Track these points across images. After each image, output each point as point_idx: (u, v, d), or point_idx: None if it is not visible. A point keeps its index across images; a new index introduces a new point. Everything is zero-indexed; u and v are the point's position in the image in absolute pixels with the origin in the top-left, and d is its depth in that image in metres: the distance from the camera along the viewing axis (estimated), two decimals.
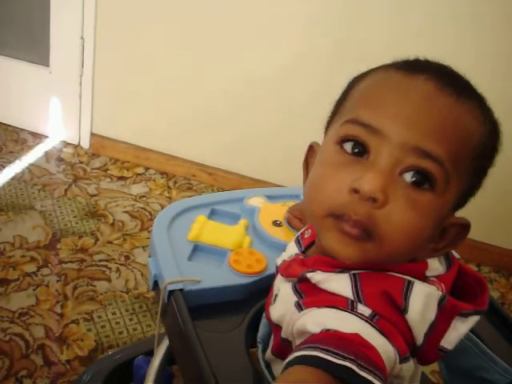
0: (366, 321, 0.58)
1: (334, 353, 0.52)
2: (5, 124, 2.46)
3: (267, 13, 1.93)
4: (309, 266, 0.67)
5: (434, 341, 0.61)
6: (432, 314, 0.60)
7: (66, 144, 2.40)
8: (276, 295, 0.74)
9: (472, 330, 0.80)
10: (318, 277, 0.64)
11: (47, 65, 2.31)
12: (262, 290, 0.86)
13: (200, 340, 0.77)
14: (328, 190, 0.60)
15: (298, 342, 0.61)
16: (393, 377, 0.59)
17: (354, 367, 0.51)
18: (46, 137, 2.42)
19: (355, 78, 0.68)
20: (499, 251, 2.08)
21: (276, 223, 1.02)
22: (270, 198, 1.09)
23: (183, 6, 2.01)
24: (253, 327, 0.82)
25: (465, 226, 0.64)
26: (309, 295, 0.65)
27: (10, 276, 1.64)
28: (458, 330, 0.61)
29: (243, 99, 2.09)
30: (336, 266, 0.63)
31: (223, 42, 2.02)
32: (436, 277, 0.63)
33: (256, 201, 1.07)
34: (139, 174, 2.27)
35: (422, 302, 0.59)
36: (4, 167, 2.17)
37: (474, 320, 0.62)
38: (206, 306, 0.85)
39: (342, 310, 0.59)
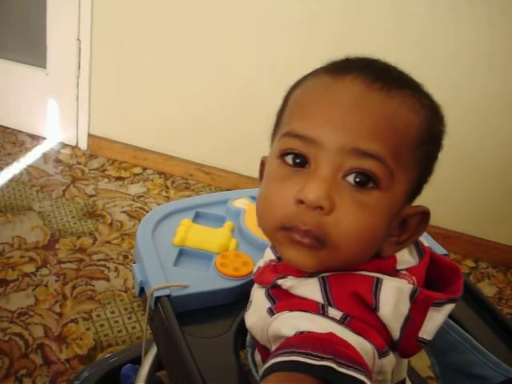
0: (338, 323, 0.58)
1: (311, 355, 0.52)
2: (3, 126, 2.47)
3: (264, 13, 1.94)
4: (280, 271, 0.67)
5: (411, 333, 0.61)
6: (405, 308, 0.60)
7: (64, 145, 2.41)
8: (251, 302, 0.74)
9: (462, 326, 0.83)
10: (288, 283, 0.64)
11: (44, 67, 2.32)
12: (249, 293, 0.85)
13: (189, 346, 0.77)
14: (275, 204, 0.61)
15: (273, 346, 0.61)
16: (376, 373, 0.60)
17: (334, 365, 0.51)
18: (44, 138, 2.42)
19: (291, 86, 0.68)
20: (496, 246, 2.08)
21: None
22: (254, 199, 1.07)
23: (180, 8, 2.02)
24: (242, 331, 0.81)
25: (424, 214, 0.64)
26: (281, 300, 0.65)
27: (9, 276, 1.64)
28: (434, 320, 0.61)
29: (240, 98, 2.10)
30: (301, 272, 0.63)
31: (220, 43, 2.03)
32: (407, 269, 0.63)
33: (241, 202, 1.07)
34: (137, 174, 2.28)
35: (392, 298, 0.59)
36: (2, 169, 2.17)
37: (448, 308, 0.62)
38: (194, 311, 0.85)
39: (313, 313, 0.59)
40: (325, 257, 0.59)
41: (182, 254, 0.94)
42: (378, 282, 0.60)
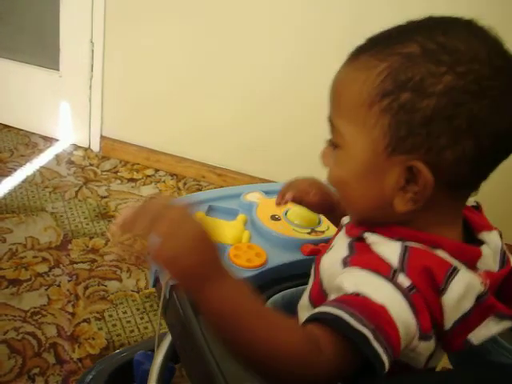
0: (402, 292, 0.59)
1: (356, 318, 0.56)
2: (16, 128, 2.49)
3: (275, 16, 1.94)
4: (374, 229, 0.68)
5: (462, 330, 0.62)
6: (468, 305, 0.61)
7: (77, 147, 2.42)
8: (332, 247, 0.76)
9: None
10: (373, 238, 0.65)
11: (57, 69, 2.34)
12: (262, 283, 0.87)
13: (204, 334, 0.76)
14: None
15: (332, 296, 0.63)
16: (409, 350, 0.61)
17: (371, 336, 0.55)
18: (57, 140, 2.44)
19: None
20: None
21: (274, 217, 1.02)
22: (267, 193, 1.09)
23: (194, 10, 2.03)
24: None
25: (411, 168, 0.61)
26: (359, 253, 0.66)
27: (22, 276, 1.65)
28: (489, 329, 0.62)
29: (252, 101, 2.10)
30: (395, 235, 0.64)
31: (233, 46, 2.04)
32: (485, 271, 0.63)
33: (253, 196, 1.09)
34: (149, 176, 2.28)
35: (461, 289, 0.60)
36: (16, 170, 2.19)
37: (507, 324, 0.63)
38: None
39: (382, 276, 0.60)
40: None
41: None
42: (455, 269, 0.60)
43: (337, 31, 1.87)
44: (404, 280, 0.59)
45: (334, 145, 0.67)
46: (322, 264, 0.73)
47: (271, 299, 0.88)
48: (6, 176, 2.14)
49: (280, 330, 0.58)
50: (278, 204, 0.93)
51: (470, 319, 0.61)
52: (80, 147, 2.42)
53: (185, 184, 2.25)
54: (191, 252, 0.58)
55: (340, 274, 0.64)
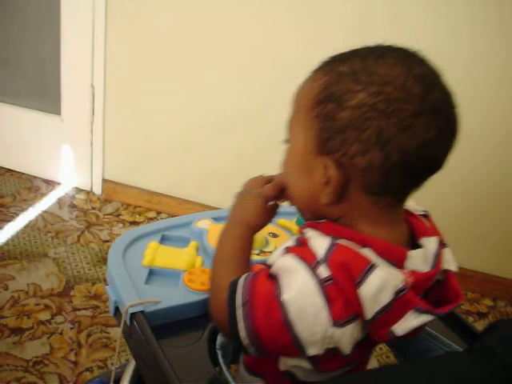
0: (318, 281, 0.67)
1: (244, 288, 0.73)
2: (18, 172, 2.50)
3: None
4: (314, 225, 0.76)
5: (384, 321, 0.68)
6: (386, 298, 0.67)
7: (79, 190, 2.43)
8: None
9: None
10: (309, 233, 0.74)
11: (59, 113, 2.36)
12: None
13: (166, 355, 0.82)
14: None
15: None
16: (327, 336, 0.68)
17: (239, 303, 0.72)
18: (59, 184, 2.45)
19: None
20: None
21: None
22: (216, 219, 1.16)
23: (190, 54, 2.05)
24: (212, 339, 0.89)
25: (326, 167, 0.71)
26: (298, 245, 0.75)
27: (24, 325, 1.64)
28: (411, 322, 0.69)
29: (255, 146, 2.11)
30: (330, 231, 0.72)
31: (232, 89, 2.06)
32: (412, 271, 0.70)
33: (204, 223, 1.15)
34: (151, 219, 2.29)
35: (376, 284, 0.66)
36: (18, 215, 2.19)
37: (426, 318, 0.69)
38: (167, 324, 0.91)
39: (305, 263, 0.69)
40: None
41: (152, 273, 1.00)
42: (373, 266, 0.67)
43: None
44: (323, 271, 0.67)
45: (286, 141, 0.78)
46: (271, 256, 0.80)
47: None
48: (9, 221, 2.15)
49: (220, 284, 0.78)
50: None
51: (392, 311, 0.67)
52: (82, 190, 2.43)
53: None
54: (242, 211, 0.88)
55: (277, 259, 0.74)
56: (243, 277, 0.75)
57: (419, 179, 0.71)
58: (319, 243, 0.70)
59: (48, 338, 1.61)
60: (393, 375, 0.69)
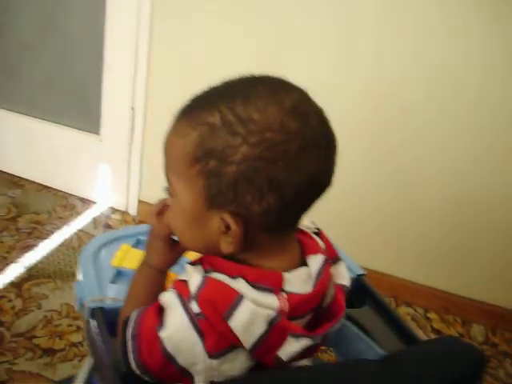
0: (190, 316, 0.68)
1: (134, 325, 0.75)
2: (55, 189, 2.52)
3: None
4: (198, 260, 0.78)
5: (268, 349, 0.69)
6: (259, 330, 0.67)
7: (114, 210, 2.44)
8: None
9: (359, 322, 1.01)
10: (189, 268, 0.74)
11: (98, 133, 2.38)
12: None
13: (109, 349, 0.84)
14: None
15: None
16: (211, 368, 0.69)
17: (129, 336, 0.74)
18: (94, 202, 2.47)
19: None
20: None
21: None
22: None
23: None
24: None
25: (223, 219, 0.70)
26: (182, 277, 0.75)
27: (56, 346, 1.65)
28: (292, 347, 0.69)
29: None
30: (207, 265, 0.74)
31: None
32: (289, 294, 0.70)
33: None
34: None
35: (245, 317, 0.66)
36: (53, 233, 2.21)
37: (306, 343, 0.70)
38: None
39: (181, 299, 0.70)
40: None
41: (120, 274, 1.06)
42: (240, 299, 0.67)
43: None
44: (195, 307, 0.68)
45: (170, 194, 0.76)
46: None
47: None
48: (44, 239, 2.16)
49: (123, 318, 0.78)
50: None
51: (271, 340, 0.68)
52: (117, 210, 2.44)
53: None
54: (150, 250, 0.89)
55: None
56: (136, 311, 0.76)
57: (312, 205, 0.72)
58: (193, 279, 0.71)
59: (79, 360, 1.60)
60: (291, 378, 0.70)
